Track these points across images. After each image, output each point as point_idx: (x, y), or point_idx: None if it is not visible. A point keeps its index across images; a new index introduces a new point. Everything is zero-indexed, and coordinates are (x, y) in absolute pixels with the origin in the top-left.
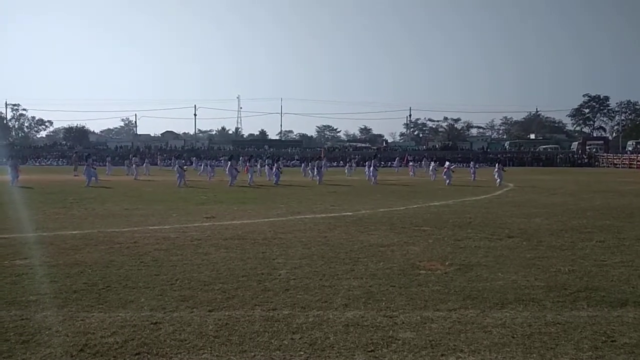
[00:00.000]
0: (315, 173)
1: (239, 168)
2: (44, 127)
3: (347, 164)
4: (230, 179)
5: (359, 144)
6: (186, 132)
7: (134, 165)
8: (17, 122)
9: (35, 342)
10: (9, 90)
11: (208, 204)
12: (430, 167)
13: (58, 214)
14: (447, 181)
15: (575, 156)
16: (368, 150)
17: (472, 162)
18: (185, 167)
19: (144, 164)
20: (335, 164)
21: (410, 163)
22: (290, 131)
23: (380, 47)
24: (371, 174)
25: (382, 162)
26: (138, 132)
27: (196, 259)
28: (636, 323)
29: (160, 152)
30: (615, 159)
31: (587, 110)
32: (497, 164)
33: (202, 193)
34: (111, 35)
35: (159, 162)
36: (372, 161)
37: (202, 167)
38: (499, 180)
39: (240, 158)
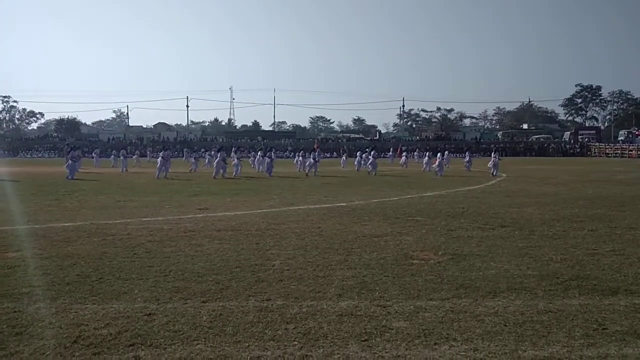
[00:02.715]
0: (311, 163)
1: (227, 160)
2: (35, 119)
3: (343, 156)
4: (216, 170)
5: (353, 135)
6: (178, 123)
7: (121, 158)
8: (7, 114)
9: (29, 334)
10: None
11: (201, 196)
12: (425, 158)
13: (50, 206)
14: (439, 172)
15: (568, 146)
16: (361, 141)
17: (467, 152)
18: (169, 157)
19: (135, 156)
20: (328, 155)
21: (404, 154)
22: (284, 122)
23: (373, 38)
24: (369, 164)
25: (377, 153)
26: (130, 124)
27: (190, 251)
28: (627, 311)
29: (152, 143)
30: (607, 148)
31: (579, 100)
32: (493, 153)
33: (195, 185)
34: (103, 28)
35: (148, 154)
36: (372, 152)
37: (207, 158)
38: (494, 170)
39: (233, 149)
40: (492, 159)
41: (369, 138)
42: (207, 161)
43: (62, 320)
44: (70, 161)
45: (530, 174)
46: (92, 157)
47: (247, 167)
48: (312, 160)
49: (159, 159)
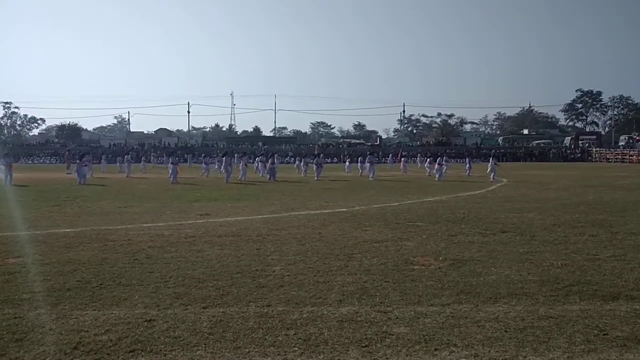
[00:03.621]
0: (314, 169)
1: (233, 164)
2: (36, 125)
3: (347, 161)
4: (225, 175)
5: (353, 140)
6: (180, 129)
7: (126, 163)
8: (9, 121)
9: (29, 340)
10: (1, 89)
11: (202, 202)
12: (426, 163)
13: (51, 212)
14: (438, 176)
15: (568, 151)
16: (362, 146)
17: (467, 158)
18: (178, 163)
19: (142, 162)
20: (328, 160)
21: (403, 159)
22: (284, 128)
23: (374, 43)
24: (367, 169)
25: (377, 158)
26: (131, 130)
27: (190, 256)
28: (628, 316)
29: (153, 149)
30: (608, 153)
31: (580, 105)
32: (491, 159)
33: (196, 190)
34: (104, 34)
35: (152, 159)
36: (370, 157)
37: (217, 164)
38: (492, 174)
39: (235, 155)
40: (490, 164)
41: (369, 143)
42: (216, 167)
43: (63, 327)
44: (85, 166)
45: (531, 179)
46: (100, 163)
47: (250, 172)
48: (315, 166)
49: (170, 165)
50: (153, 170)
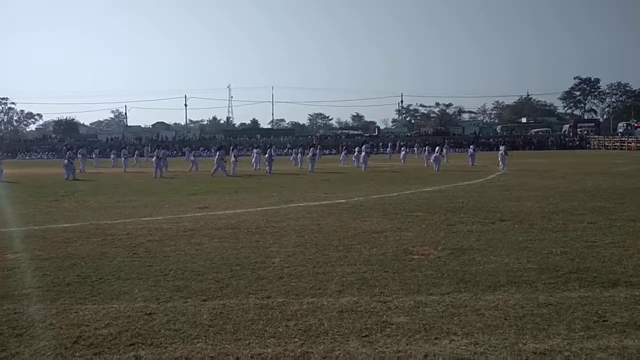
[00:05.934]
0: (309, 162)
1: (226, 158)
2: (33, 120)
3: (343, 152)
4: (215, 168)
5: (352, 131)
6: (177, 122)
7: (122, 158)
8: (5, 116)
9: (29, 335)
10: None
11: (200, 195)
12: (425, 153)
13: (49, 207)
14: (436, 167)
15: (567, 139)
16: (360, 137)
17: (471, 146)
18: (164, 157)
19: (135, 156)
20: (327, 152)
21: (402, 149)
22: (282, 120)
23: (371, 34)
24: (361, 160)
25: (375, 149)
26: (128, 124)
27: (189, 249)
28: (627, 303)
29: (150, 143)
30: (607, 141)
31: (578, 93)
32: (501, 147)
33: (194, 184)
34: (100, 28)
35: (145, 153)
36: (363, 147)
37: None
38: (502, 164)
39: (231, 148)
40: (500, 153)
41: (367, 134)
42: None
43: (63, 321)
44: (67, 161)
45: (530, 168)
46: (92, 158)
47: (247, 165)
48: (310, 155)
49: (154, 159)
50: (148, 164)
